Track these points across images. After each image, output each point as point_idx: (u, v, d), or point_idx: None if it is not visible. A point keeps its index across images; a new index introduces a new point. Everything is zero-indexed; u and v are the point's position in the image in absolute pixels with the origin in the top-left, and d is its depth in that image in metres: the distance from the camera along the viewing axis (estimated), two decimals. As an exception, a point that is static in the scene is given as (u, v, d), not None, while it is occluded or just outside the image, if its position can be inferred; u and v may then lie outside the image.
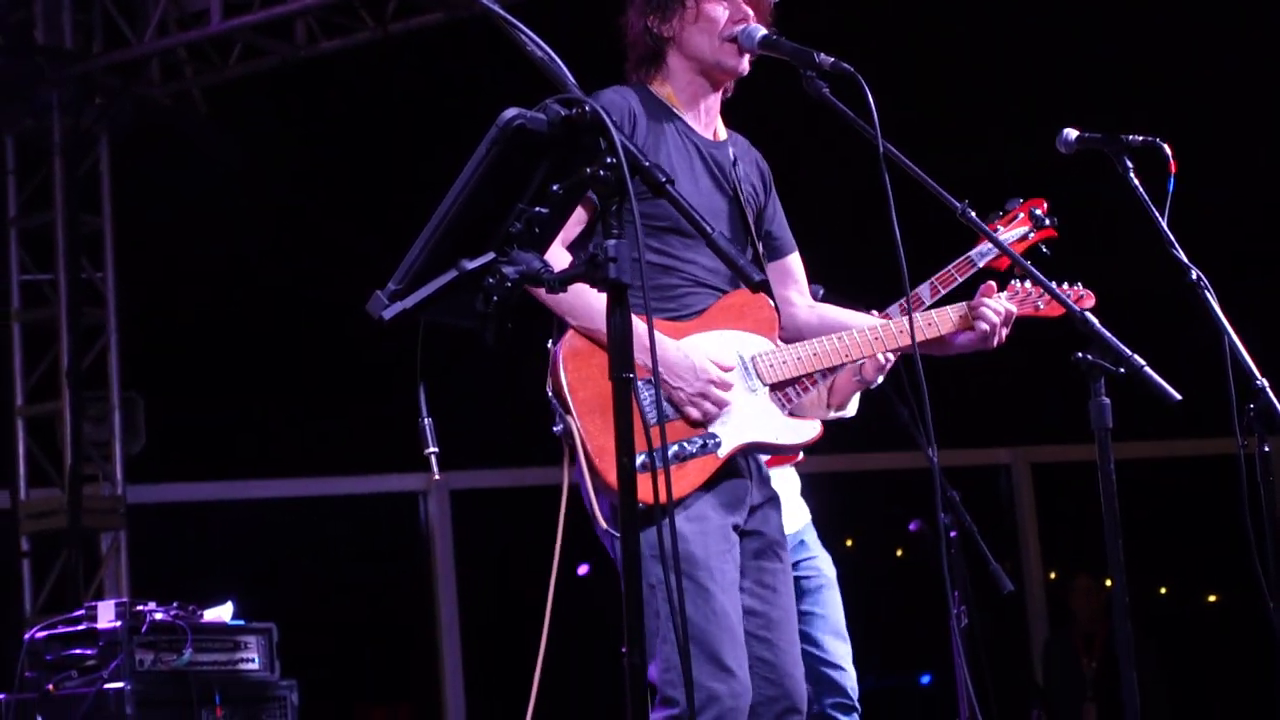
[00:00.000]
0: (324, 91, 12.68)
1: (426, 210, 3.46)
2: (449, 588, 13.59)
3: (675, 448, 4.73)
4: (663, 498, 3.72)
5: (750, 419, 4.88)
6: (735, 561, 4.81)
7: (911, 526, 7.27)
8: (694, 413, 4.78)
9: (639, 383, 4.57)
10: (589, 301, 4.68)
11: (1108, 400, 4.46)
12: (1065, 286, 5.29)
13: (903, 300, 5.99)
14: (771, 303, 5.04)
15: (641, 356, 3.94)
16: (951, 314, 5.18)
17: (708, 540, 4.73)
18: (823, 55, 4.73)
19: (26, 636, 7.69)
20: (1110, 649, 11.76)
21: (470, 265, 3.44)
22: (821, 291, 5.77)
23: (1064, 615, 13.09)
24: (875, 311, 5.76)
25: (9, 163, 12.28)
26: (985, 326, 5.15)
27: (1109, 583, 4.67)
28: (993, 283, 5.26)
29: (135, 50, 11.94)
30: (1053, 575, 14.44)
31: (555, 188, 3.52)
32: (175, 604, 7.74)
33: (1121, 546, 4.45)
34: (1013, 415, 13.55)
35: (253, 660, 7.92)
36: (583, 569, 11.07)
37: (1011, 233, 6.11)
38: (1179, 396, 4.41)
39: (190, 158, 12.25)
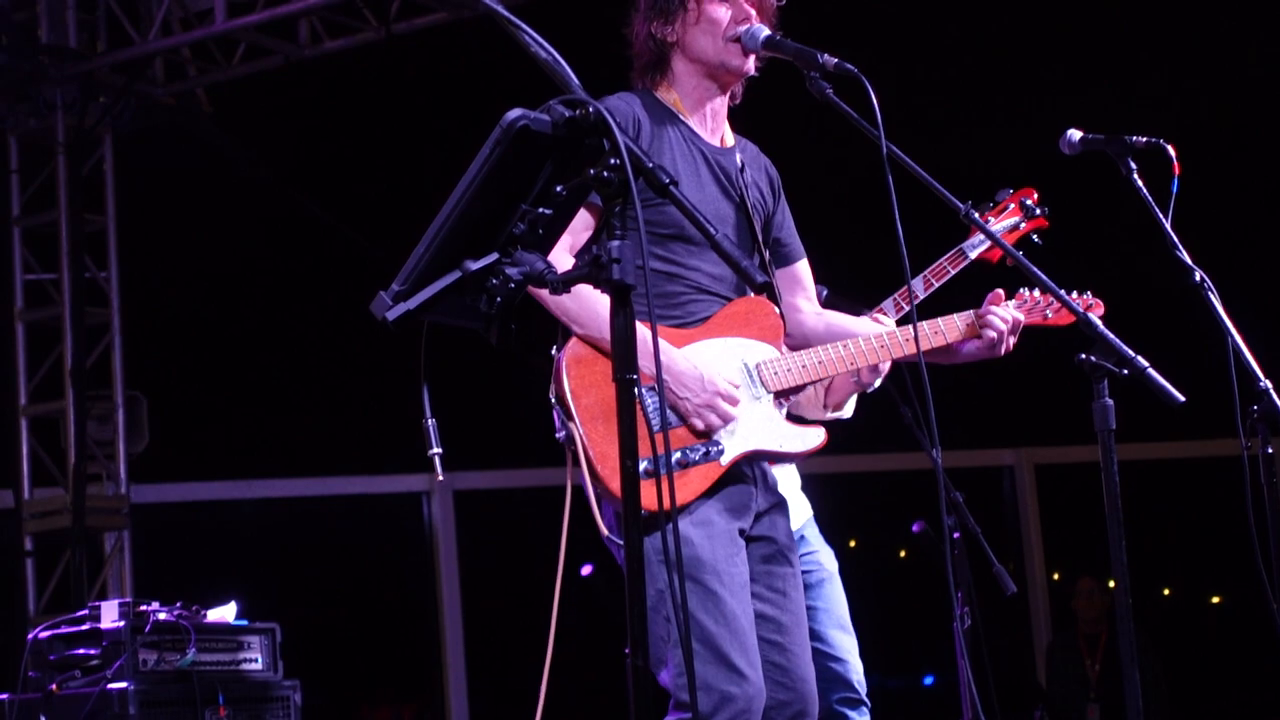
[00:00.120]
0: (328, 91, 12.69)
1: (430, 210, 3.47)
2: (452, 588, 13.59)
3: (678, 455, 4.72)
4: (666, 503, 3.72)
5: (754, 426, 4.87)
6: (744, 565, 4.80)
7: (914, 527, 7.26)
8: (698, 424, 4.77)
9: (643, 390, 4.56)
10: (593, 308, 4.67)
11: (1111, 402, 4.45)
12: (1075, 295, 5.25)
13: (896, 295, 6.00)
14: (776, 309, 5.03)
15: (646, 363, 3.93)
16: (958, 322, 5.16)
17: (714, 544, 4.72)
18: (826, 56, 4.72)
19: (30, 636, 7.70)
20: (1113, 650, 11.76)
21: (474, 266, 3.44)
22: (825, 292, 5.76)
23: (1067, 617, 13.08)
24: (865, 312, 5.75)
25: (12, 162, 12.28)
26: (992, 334, 5.12)
27: (1112, 584, 4.67)
28: (1000, 290, 5.23)
29: (139, 49, 11.95)
30: (1056, 576, 14.44)
31: (559, 189, 3.52)
32: (179, 604, 7.75)
33: (1125, 548, 4.45)
34: (1016, 416, 13.55)
35: (256, 660, 7.92)
36: (586, 569, 11.07)
37: (1002, 223, 6.10)
38: (1183, 399, 4.41)
39: (194, 157, 12.27)
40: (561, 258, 4.29)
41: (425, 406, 3.67)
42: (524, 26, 3.66)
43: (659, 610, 4.60)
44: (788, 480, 6.34)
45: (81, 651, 7.55)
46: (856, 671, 6.33)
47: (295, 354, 13.02)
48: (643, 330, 3.55)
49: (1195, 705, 13.83)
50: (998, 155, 11.53)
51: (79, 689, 7.46)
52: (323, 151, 12.94)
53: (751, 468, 4.93)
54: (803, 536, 6.44)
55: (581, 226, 4.73)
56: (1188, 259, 4.89)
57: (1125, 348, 4.45)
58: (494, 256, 3.47)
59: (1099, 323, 4.57)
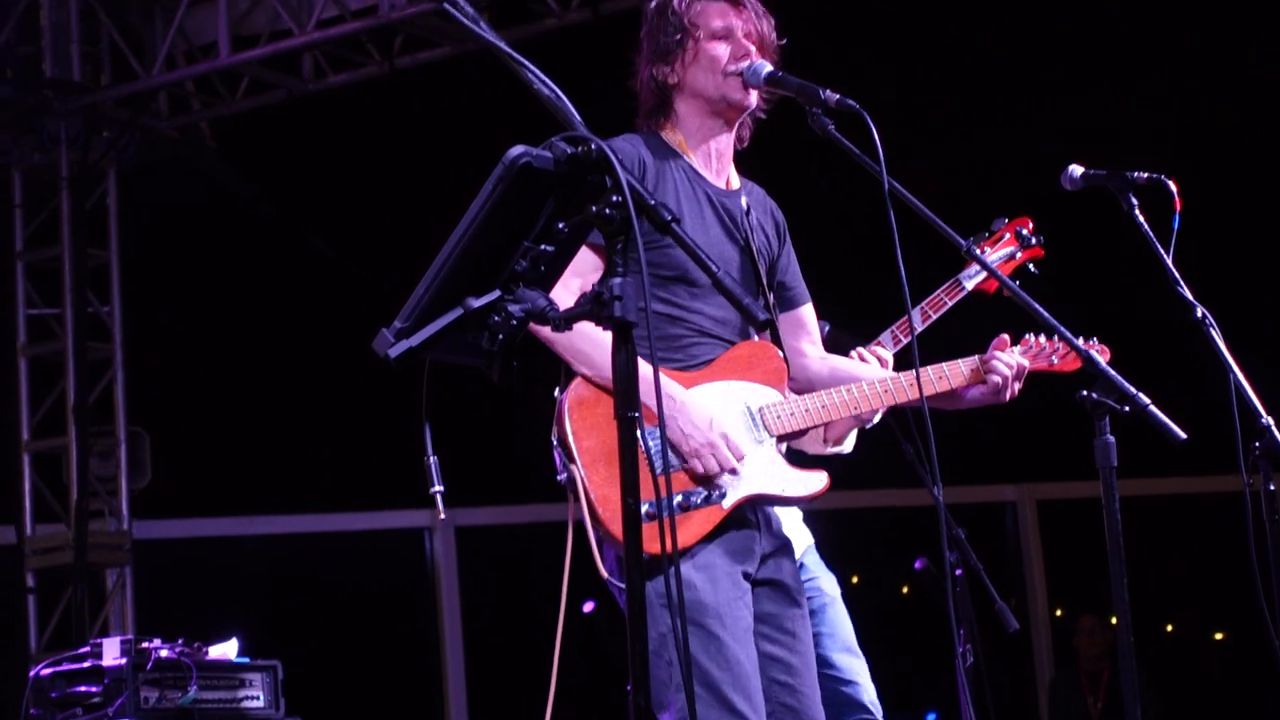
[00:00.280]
0: (331, 126, 12.72)
1: (434, 245, 3.47)
2: (454, 624, 13.57)
3: (680, 498, 4.70)
4: (668, 547, 3.71)
5: (757, 471, 4.85)
6: (748, 608, 4.78)
7: (917, 564, 7.25)
8: (698, 465, 4.75)
9: (645, 431, 4.55)
10: (598, 343, 4.66)
11: (1113, 439, 4.45)
12: (1082, 340, 5.24)
13: (894, 327, 6.00)
14: (780, 352, 5.02)
15: (648, 401, 3.92)
16: (963, 367, 5.14)
17: (717, 587, 4.70)
18: (828, 92, 4.73)
19: (31, 674, 7.69)
20: (1116, 688, 11.74)
21: (476, 303, 3.44)
22: (828, 328, 5.75)
23: (1069, 654, 13.06)
24: (858, 351, 5.75)
25: (16, 196, 12.30)
26: (997, 380, 5.11)
27: (1115, 621, 4.66)
28: (1005, 336, 5.22)
29: (143, 83, 11.98)
30: (1059, 613, 14.41)
31: (561, 226, 3.52)
32: (180, 641, 7.74)
33: (1126, 585, 4.45)
34: (1018, 452, 13.53)
35: (258, 698, 7.91)
36: (588, 606, 11.05)
37: (998, 253, 6.10)
38: (1184, 435, 4.41)
39: (198, 191, 12.29)
40: (564, 296, 4.28)
41: (427, 444, 3.67)
42: (526, 63, 3.67)
43: (661, 654, 4.58)
44: (788, 513, 6.33)
45: (83, 689, 7.54)
46: (868, 692, 6.30)
47: (298, 390, 13.02)
48: (646, 370, 3.55)
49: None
50: (998, 155, 11.56)
51: (80, 726, 7.46)
52: (326, 186, 12.96)
53: (755, 512, 4.91)
54: (802, 564, 6.43)
55: (590, 269, 4.69)
56: (1189, 295, 4.90)
57: (1127, 385, 4.45)
58: (496, 294, 3.47)
59: (1100, 360, 4.57)
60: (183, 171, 12.53)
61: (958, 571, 6.70)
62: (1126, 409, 4.44)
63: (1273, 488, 4.82)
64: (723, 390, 4.88)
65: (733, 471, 4.78)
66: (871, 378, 5.11)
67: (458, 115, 12.02)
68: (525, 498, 13.04)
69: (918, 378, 4.78)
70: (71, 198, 12.11)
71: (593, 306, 3.43)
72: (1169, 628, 15.19)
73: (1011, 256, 6.11)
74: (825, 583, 6.43)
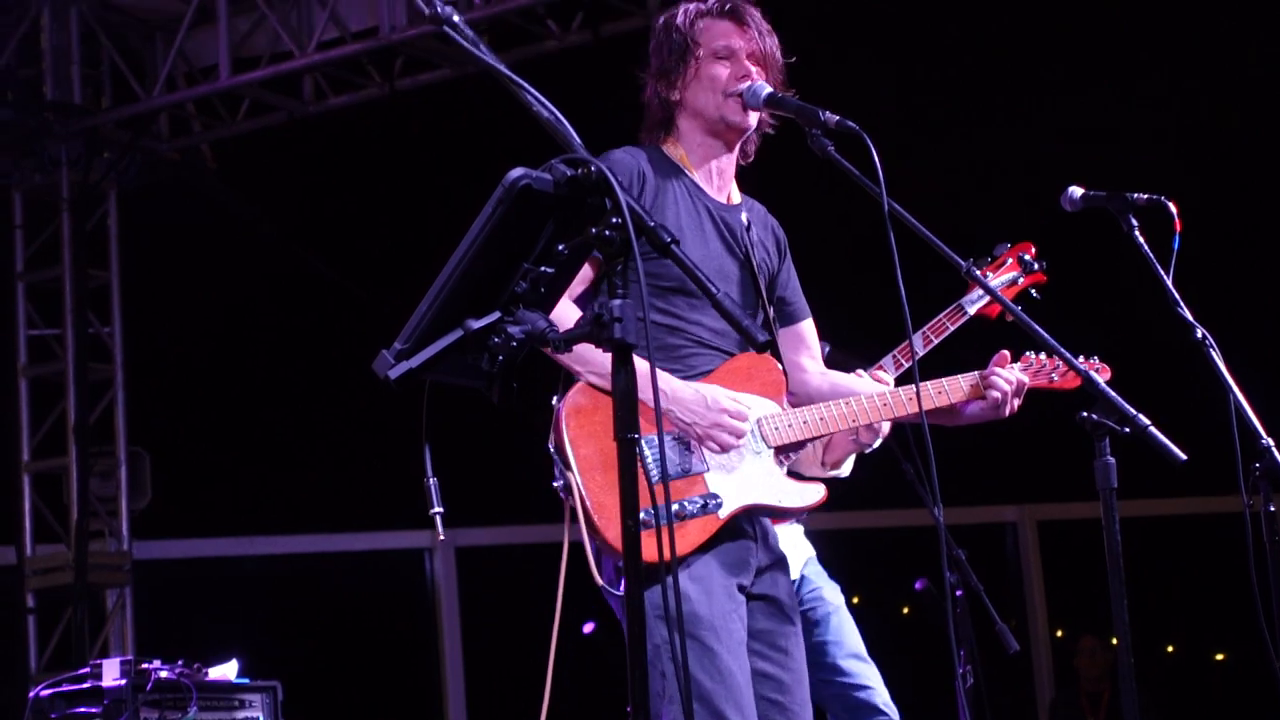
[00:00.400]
0: (331, 147, 12.73)
1: (434, 266, 3.47)
2: (454, 644, 13.57)
3: (675, 506, 4.70)
4: (666, 555, 3.72)
5: (754, 481, 4.86)
6: (742, 621, 4.79)
7: (917, 585, 7.26)
8: (713, 446, 4.76)
9: (641, 441, 4.55)
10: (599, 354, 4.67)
11: (1113, 460, 4.45)
12: (1082, 359, 5.23)
13: (896, 351, 6.01)
14: (780, 366, 5.03)
15: (645, 396, 3.92)
16: (963, 383, 5.14)
17: (711, 600, 4.70)
18: (828, 113, 4.73)
19: (31, 694, 7.68)
20: (1116, 709, 11.72)
21: (476, 325, 3.44)
22: (828, 348, 5.75)
23: (1070, 674, 13.05)
24: (860, 372, 5.75)
25: (17, 217, 12.31)
26: (996, 395, 5.11)
27: (1115, 641, 4.66)
28: (1006, 352, 5.21)
29: (144, 105, 12.00)
30: (1059, 634, 14.40)
31: (561, 248, 3.52)
32: (180, 662, 7.73)
33: (1127, 606, 4.45)
34: (1019, 473, 13.53)
35: (258, 719, 7.90)
36: (588, 627, 11.06)
37: (1001, 278, 6.10)
38: (1185, 457, 4.41)
39: (198, 212, 12.30)
40: (562, 304, 4.28)
41: (427, 465, 3.67)
42: (525, 85, 3.67)
43: (655, 665, 4.58)
44: (789, 526, 6.33)
45: (83, 710, 7.54)
46: (881, 695, 6.30)
47: (298, 410, 13.02)
48: (642, 368, 3.55)
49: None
50: (998, 156, 11.55)
51: (80, 747, 7.46)
52: (327, 207, 12.98)
53: (752, 524, 4.91)
54: (804, 576, 6.43)
55: (578, 281, 4.71)
56: (1189, 316, 4.90)
57: (1127, 406, 4.45)
58: (496, 315, 3.47)
59: (1100, 380, 4.58)
60: (183, 193, 12.55)
61: (958, 592, 6.70)
62: (1126, 430, 4.44)
63: (1273, 509, 4.81)
64: None
65: (743, 436, 4.77)
66: (871, 391, 5.11)
67: (458, 137, 12.04)
68: (525, 518, 13.04)
69: (917, 392, 4.79)
70: (72, 219, 12.13)
71: (592, 328, 3.44)
72: (1169, 648, 15.18)
73: (1014, 282, 6.11)
74: (829, 592, 6.44)
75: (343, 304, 12.64)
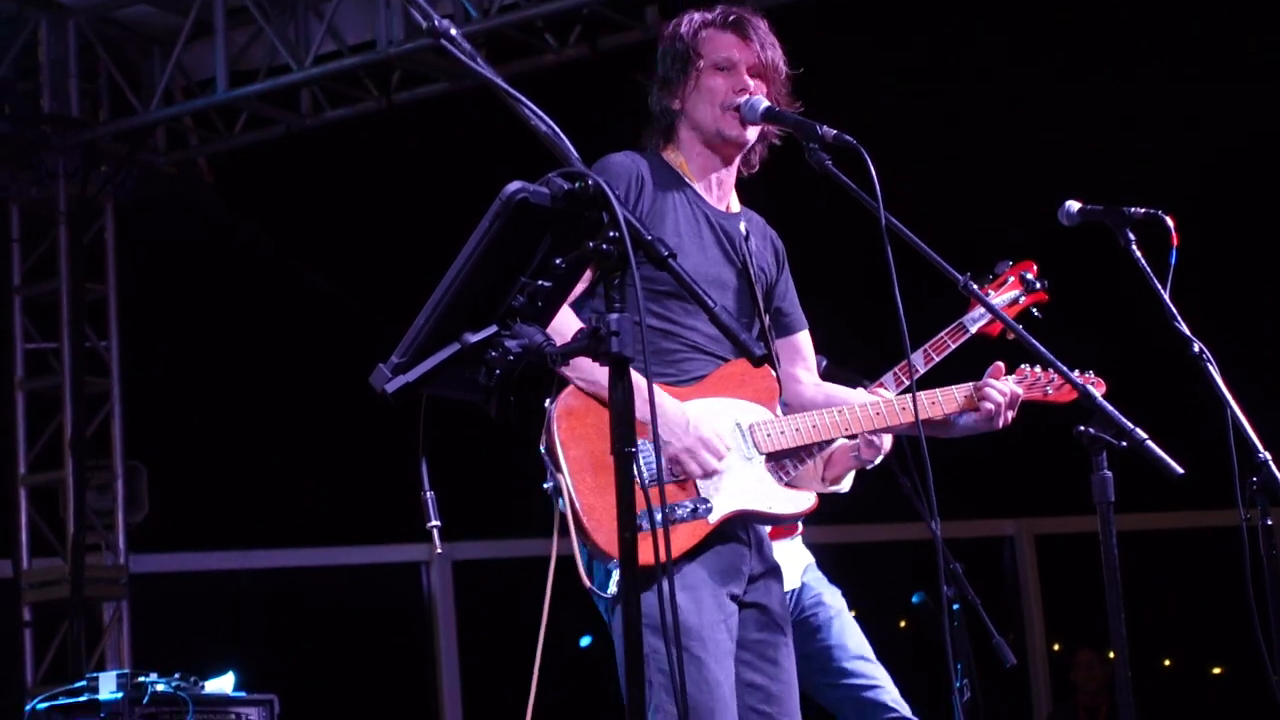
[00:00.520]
0: (329, 161, 12.73)
1: (431, 280, 3.47)
2: (451, 658, 13.56)
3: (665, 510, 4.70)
4: (662, 557, 3.72)
5: (744, 486, 4.85)
6: (731, 631, 4.78)
7: (914, 599, 7.25)
8: (677, 469, 4.74)
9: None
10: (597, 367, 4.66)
11: (1110, 474, 4.45)
12: (1077, 373, 5.23)
13: (896, 369, 6.00)
14: (774, 373, 5.03)
15: (640, 409, 3.91)
16: (957, 394, 5.13)
17: (701, 609, 4.70)
18: (825, 128, 4.72)
19: (28, 707, 7.68)
20: (1115, 722, 11.72)
21: (473, 338, 3.45)
22: (825, 362, 5.75)
23: (1067, 688, 13.04)
24: (865, 384, 5.75)
25: (14, 230, 12.31)
26: (990, 407, 5.10)
27: (1112, 655, 4.65)
28: (1001, 364, 5.21)
29: (141, 118, 12.01)
30: (1056, 647, 14.39)
31: (558, 261, 3.52)
32: (177, 674, 7.73)
33: (1124, 620, 4.44)
34: (1016, 486, 13.53)
35: (254, 731, 7.90)
36: (586, 640, 11.04)
37: (1002, 296, 6.09)
38: (1182, 471, 4.41)
39: (196, 226, 12.30)
40: (562, 312, 4.28)
41: (424, 479, 3.67)
42: (523, 98, 3.67)
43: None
44: (790, 543, 6.34)
45: (79, 722, 7.53)
46: (891, 692, 6.29)
47: (295, 424, 13.02)
48: (638, 380, 3.55)
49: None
50: (998, 158, 11.54)
51: (76, 760, 7.45)
52: (324, 221, 12.97)
53: (746, 531, 4.91)
54: (805, 584, 6.42)
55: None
56: (1186, 330, 4.90)
57: (1124, 420, 4.45)
58: (493, 329, 3.47)
59: (1098, 395, 4.58)
60: (180, 206, 12.55)
61: (955, 606, 6.69)
62: (1124, 444, 4.44)
63: (1270, 523, 4.81)
64: (714, 406, 4.88)
65: (714, 473, 4.77)
66: (864, 400, 5.11)
67: (455, 150, 12.04)
68: (522, 532, 13.01)
69: (913, 401, 4.78)
70: (69, 232, 12.12)
71: (590, 342, 3.44)
72: (1167, 662, 15.18)
73: (1015, 300, 6.10)
74: (830, 597, 6.45)
75: (339, 317, 12.64)
